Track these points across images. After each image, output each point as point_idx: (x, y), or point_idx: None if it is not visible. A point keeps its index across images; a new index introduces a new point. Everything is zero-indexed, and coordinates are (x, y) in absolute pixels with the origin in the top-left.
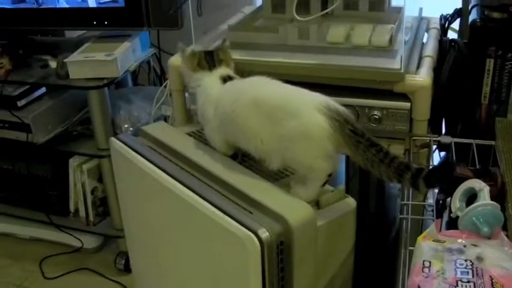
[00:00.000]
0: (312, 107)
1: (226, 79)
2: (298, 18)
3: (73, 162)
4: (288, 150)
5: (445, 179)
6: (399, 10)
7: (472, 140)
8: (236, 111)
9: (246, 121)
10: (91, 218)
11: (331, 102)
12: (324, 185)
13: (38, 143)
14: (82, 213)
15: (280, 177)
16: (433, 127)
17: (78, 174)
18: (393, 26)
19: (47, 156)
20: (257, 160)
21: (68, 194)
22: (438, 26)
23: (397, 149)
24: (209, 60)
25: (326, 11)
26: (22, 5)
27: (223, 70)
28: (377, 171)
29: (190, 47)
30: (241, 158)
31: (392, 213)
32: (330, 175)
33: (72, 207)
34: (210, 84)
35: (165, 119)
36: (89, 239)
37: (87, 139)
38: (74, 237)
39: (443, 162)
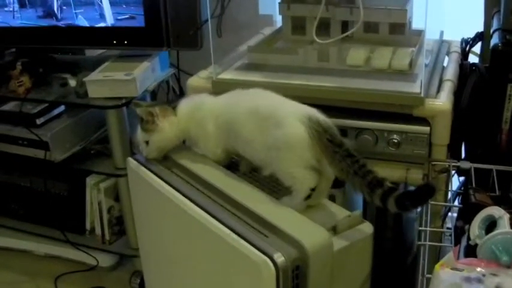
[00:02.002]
0: (294, 118)
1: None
2: (318, 40)
3: (90, 180)
4: (273, 159)
5: (420, 203)
6: (420, 33)
7: (492, 165)
8: (235, 119)
9: (242, 129)
10: (107, 236)
11: (314, 113)
12: (307, 198)
13: (55, 161)
14: (98, 231)
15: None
16: (453, 152)
17: (95, 193)
18: (413, 49)
19: (64, 174)
20: (255, 166)
21: (85, 212)
22: (459, 50)
23: (415, 174)
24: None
25: (346, 34)
26: (42, 23)
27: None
28: (351, 182)
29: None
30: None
31: (409, 239)
32: (313, 189)
33: (88, 226)
34: (197, 102)
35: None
36: (104, 257)
37: (105, 158)
38: (90, 255)
39: (423, 186)
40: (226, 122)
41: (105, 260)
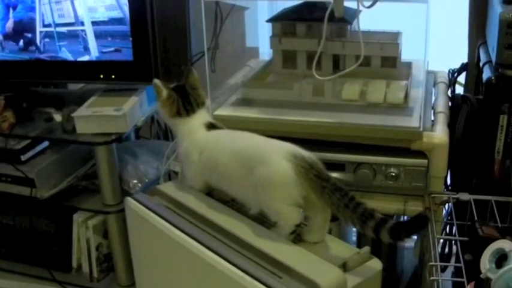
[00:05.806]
0: (279, 155)
1: (209, 126)
2: (318, 77)
3: (77, 217)
4: (259, 197)
5: (414, 233)
6: (409, 65)
7: (490, 196)
8: (219, 161)
9: (227, 170)
10: (95, 274)
11: (298, 150)
12: (292, 233)
13: (41, 198)
14: (85, 269)
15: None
16: (446, 183)
17: (83, 230)
18: (407, 82)
19: (51, 211)
20: (240, 204)
21: (71, 249)
22: (445, 80)
23: (414, 206)
24: (187, 106)
25: (344, 72)
26: (26, 56)
27: (202, 115)
28: (342, 216)
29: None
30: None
31: (400, 268)
32: (298, 225)
33: (74, 263)
34: (193, 129)
35: (169, 174)
36: None
37: (92, 194)
38: None
39: (417, 216)
40: (209, 159)
41: None
